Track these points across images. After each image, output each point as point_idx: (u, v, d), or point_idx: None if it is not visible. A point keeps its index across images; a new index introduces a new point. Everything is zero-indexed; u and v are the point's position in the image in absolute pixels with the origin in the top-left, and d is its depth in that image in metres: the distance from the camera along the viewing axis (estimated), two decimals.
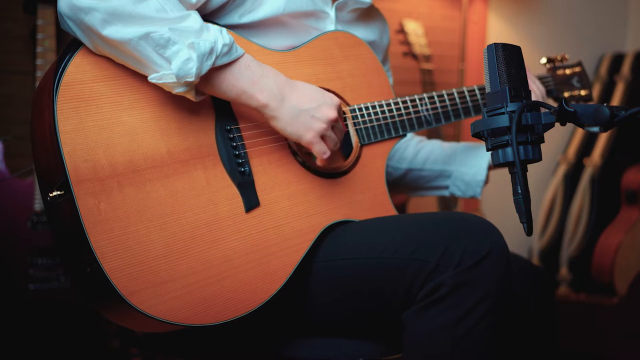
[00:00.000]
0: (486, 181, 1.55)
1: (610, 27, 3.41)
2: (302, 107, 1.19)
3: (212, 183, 1.16)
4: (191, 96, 1.13)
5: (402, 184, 1.65)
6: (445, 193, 1.62)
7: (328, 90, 1.34)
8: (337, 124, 1.25)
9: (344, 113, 1.36)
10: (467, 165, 1.56)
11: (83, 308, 2.01)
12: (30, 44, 2.20)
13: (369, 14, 1.52)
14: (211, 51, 1.10)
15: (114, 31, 1.06)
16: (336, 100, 1.24)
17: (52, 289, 2.04)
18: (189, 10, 1.17)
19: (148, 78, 1.10)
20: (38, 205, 2.05)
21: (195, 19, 1.11)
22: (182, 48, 1.08)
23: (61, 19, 1.10)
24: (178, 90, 1.10)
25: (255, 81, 1.16)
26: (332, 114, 1.21)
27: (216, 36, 1.11)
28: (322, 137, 1.22)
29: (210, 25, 1.13)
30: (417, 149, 1.63)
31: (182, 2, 1.16)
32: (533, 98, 1.48)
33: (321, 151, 1.23)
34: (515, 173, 0.92)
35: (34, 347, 2.02)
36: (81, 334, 2.06)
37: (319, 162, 1.26)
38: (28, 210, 2.04)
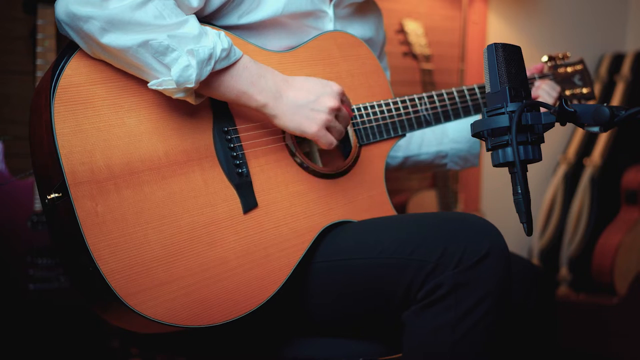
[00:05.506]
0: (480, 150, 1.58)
1: (610, 27, 3.40)
2: (300, 101, 1.19)
3: (210, 184, 1.16)
4: (191, 100, 1.13)
5: (402, 170, 1.66)
6: (444, 168, 1.64)
7: None
8: (341, 112, 1.24)
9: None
10: (460, 142, 1.58)
11: (83, 308, 2.01)
12: (30, 44, 2.19)
13: (364, 8, 1.51)
14: (210, 57, 1.10)
15: (113, 39, 1.06)
16: (337, 88, 1.23)
17: (52, 289, 2.04)
18: (190, 13, 1.17)
19: (148, 85, 1.10)
20: (38, 205, 2.05)
21: (193, 24, 1.11)
22: (181, 55, 1.08)
23: (59, 24, 1.10)
24: (178, 95, 1.11)
25: (253, 82, 1.16)
26: (333, 102, 1.21)
27: (215, 41, 1.11)
28: (328, 128, 1.22)
29: (208, 29, 1.13)
30: (409, 136, 1.63)
31: (182, 5, 1.16)
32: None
33: (327, 142, 1.22)
34: (515, 173, 0.92)
35: (34, 347, 2.01)
36: (81, 334, 2.06)
37: (322, 147, 1.24)
38: (28, 210, 2.04)
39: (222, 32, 1.14)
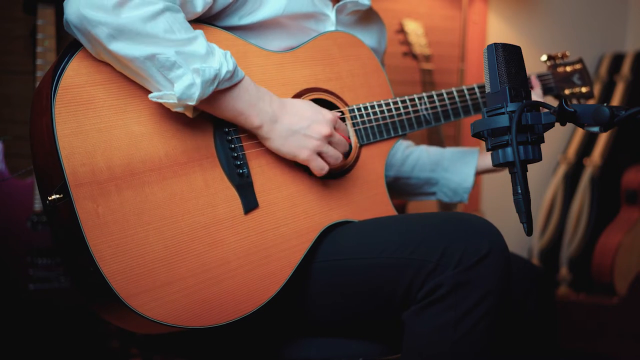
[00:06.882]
0: (472, 186, 1.56)
1: (610, 27, 3.40)
2: (294, 127, 1.20)
3: (211, 185, 1.16)
4: (189, 113, 1.14)
5: (389, 190, 1.65)
6: (432, 198, 1.63)
7: (326, 91, 1.34)
8: (335, 138, 1.25)
9: (342, 114, 1.35)
10: (453, 172, 1.57)
11: (83, 308, 2.01)
12: (30, 44, 2.20)
13: (367, 18, 1.52)
14: (215, 77, 1.10)
15: (120, 47, 1.06)
16: (330, 116, 1.24)
17: (52, 289, 2.04)
18: (193, 18, 1.18)
19: (149, 96, 1.11)
20: (38, 205, 2.05)
21: (201, 42, 1.12)
22: (187, 72, 1.09)
23: (66, 24, 1.10)
24: (177, 109, 1.12)
25: (252, 104, 1.18)
26: (325, 130, 1.22)
27: (221, 62, 1.12)
28: (320, 154, 1.23)
29: (215, 48, 1.13)
30: (404, 156, 1.63)
31: (187, 10, 1.16)
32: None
33: (318, 167, 1.23)
34: (515, 173, 0.92)
35: (34, 347, 2.02)
36: (81, 334, 2.06)
37: (316, 174, 1.25)
38: (28, 210, 2.04)
39: (229, 52, 1.15)
